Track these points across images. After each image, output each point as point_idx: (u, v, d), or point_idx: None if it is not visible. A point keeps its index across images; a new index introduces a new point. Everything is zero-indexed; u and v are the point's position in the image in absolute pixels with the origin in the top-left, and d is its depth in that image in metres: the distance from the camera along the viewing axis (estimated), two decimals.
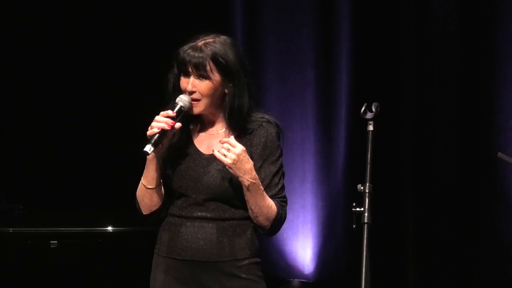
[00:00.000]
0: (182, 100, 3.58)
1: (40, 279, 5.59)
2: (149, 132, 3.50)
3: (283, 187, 3.76)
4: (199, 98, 3.60)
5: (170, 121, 3.50)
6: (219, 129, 3.69)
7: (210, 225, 3.65)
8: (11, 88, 7.13)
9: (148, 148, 3.48)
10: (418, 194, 6.86)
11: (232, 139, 3.58)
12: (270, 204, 3.69)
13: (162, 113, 3.52)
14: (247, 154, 3.59)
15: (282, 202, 3.72)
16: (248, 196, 3.62)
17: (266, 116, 3.75)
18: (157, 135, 3.53)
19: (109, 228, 5.52)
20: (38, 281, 5.60)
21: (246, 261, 3.70)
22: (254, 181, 3.62)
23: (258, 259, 3.72)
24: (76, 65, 7.18)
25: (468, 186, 6.88)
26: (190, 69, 3.54)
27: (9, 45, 7.17)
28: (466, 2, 6.94)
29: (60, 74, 7.18)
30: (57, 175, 6.94)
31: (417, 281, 6.79)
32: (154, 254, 3.75)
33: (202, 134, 3.74)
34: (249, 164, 3.58)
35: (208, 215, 3.65)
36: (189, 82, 3.56)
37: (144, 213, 3.72)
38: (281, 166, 3.76)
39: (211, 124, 3.69)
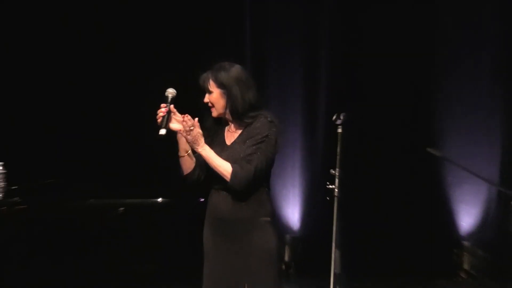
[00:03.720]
0: (169, 93, 4.02)
1: (111, 234, 5.97)
2: (158, 122, 3.97)
3: (252, 158, 3.99)
4: (211, 106, 4.07)
5: (163, 109, 3.96)
6: (235, 126, 4.12)
7: (227, 193, 4.04)
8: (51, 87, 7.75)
9: (161, 132, 3.94)
10: (372, 180, 7.95)
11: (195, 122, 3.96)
12: (222, 164, 4.00)
13: (161, 106, 3.99)
14: (200, 136, 3.97)
15: (244, 163, 3.98)
16: (205, 159, 4.02)
17: (267, 114, 4.06)
18: (163, 120, 3.95)
19: (159, 199, 5.82)
20: (110, 236, 5.99)
21: (259, 219, 4.04)
22: (202, 151, 4.00)
23: (269, 219, 4.05)
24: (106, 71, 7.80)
25: (404, 174, 8.05)
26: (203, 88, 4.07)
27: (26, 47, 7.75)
28: (406, 17, 7.93)
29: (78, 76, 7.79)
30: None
31: (370, 234, 7.88)
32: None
33: (228, 131, 4.16)
34: (200, 140, 3.99)
35: (224, 185, 4.02)
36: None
37: (183, 173, 4.13)
38: (260, 146, 4.00)
39: (233, 124, 4.13)
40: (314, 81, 8.35)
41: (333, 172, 4.44)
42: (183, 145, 4.04)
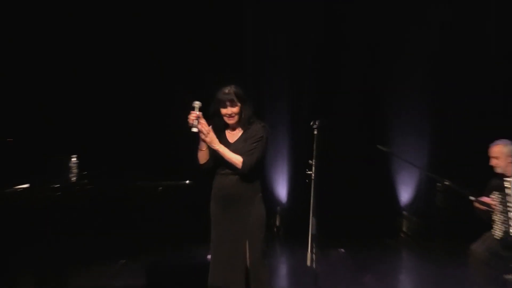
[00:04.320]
0: (196, 104, 4.38)
1: (152, 206, 6.54)
2: (189, 124, 4.33)
3: (254, 152, 4.37)
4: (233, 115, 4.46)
5: (194, 114, 4.31)
6: (236, 129, 4.56)
7: (232, 177, 4.48)
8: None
9: (194, 129, 4.30)
10: (339, 168, 8.97)
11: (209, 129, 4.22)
12: (235, 156, 4.38)
13: (191, 112, 4.33)
14: (215, 137, 4.30)
15: (248, 156, 4.38)
16: (221, 154, 4.37)
17: (261, 121, 4.54)
18: (194, 121, 4.30)
19: (187, 181, 6.23)
20: (151, 207, 6.63)
21: (254, 195, 4.45)
22: (219, 148, 4.38)
23: (261, 194, 4.51)
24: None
25: (362, 164, 9.15)
26: (227, 103, 4.39)
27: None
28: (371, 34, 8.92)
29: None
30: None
31: (337, 206, 8.71)
32: (212, 193, 4.50)
33: (229, 132, 4.59)
34: (216, 140, 4.35)
35: (229, 171, 4.50)
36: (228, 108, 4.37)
37: (200, 163, 4.52)
38: (258, 143, 4.36)
39: (233, 127, 4.59)
40: (297, 97, 9.43)
41: (311, 162, 4.79)
42: (202, 142, 4.46)
